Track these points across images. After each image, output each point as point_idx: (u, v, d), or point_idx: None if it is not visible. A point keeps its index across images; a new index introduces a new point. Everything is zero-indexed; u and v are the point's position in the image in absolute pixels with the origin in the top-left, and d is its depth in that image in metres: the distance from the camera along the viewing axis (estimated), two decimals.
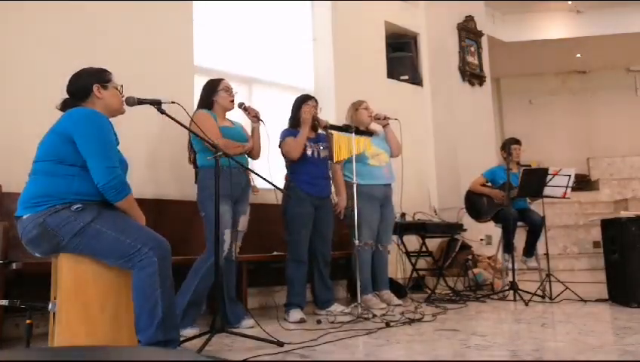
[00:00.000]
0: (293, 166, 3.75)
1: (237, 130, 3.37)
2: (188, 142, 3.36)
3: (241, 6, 4.98)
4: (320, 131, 3.91)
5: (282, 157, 3.85)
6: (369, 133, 4.05)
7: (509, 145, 4.88)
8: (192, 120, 3.03)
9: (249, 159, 3.46)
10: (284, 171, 3.85)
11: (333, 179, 4.05)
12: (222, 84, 3.37)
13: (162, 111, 2.66)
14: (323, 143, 3.85)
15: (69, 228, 2.15)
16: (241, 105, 3.41)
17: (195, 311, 3.15)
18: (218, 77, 3.51)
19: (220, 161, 2.97)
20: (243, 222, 3.36)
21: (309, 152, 3.74)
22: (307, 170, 3.73)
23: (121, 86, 2.49)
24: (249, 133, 3.45)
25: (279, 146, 3.80)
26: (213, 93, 3.34)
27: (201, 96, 3.40)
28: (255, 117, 3.40)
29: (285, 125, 3.92)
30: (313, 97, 3.91)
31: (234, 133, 3.31)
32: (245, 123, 3.56)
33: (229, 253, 3.28)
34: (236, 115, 3.54)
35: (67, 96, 2.41)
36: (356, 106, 4.24)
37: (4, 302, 2.33)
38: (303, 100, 3.84)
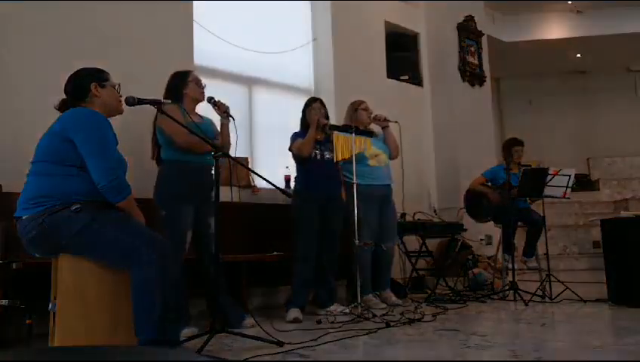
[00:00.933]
0: (298, 169, 3.80)
1: (206, 126, 3.26)
2: (152, 136, 3.24)
3: (241, 6, 4.98)
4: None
5: (294, 160, 3.88)
6: (369, 133, 4.05)
7: (510, 146, 4.87)
8: (160, 113, 2.83)
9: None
10: (281, 171, 3.86)
11: None
12: (191, 75, 3.28)
13: (162, 111, 2.66)
14: (329, 144, 3.86)
15: (69, 228, 2.15)
16: (210, 100, 3.26)
17: (183, 313, 3.09)
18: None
19: (185, 157, 2.93)
20: (212, 223, 3.13)
21: (312, 154, 3.75)
22: (310, 170, 3.76)
23: (119, 85, 2.49)
24: (218, 128, 3.33)
25: (289, 149, 3.84)
26: (182, 85, 3.23)
27: (169, 88, 3.25)
28: (225, 112, 3.26)
29: (283, 124, 3.94)
30: (318, 99, 3.93)
31: (203, 128, 3.14)
32: (213, 116, 3.45)
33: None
34: (205, 109, 3.44)
35: (65, 96, 2.41)
36: (355, 106, 4.24)
37: (4, 302, 2.33)
38: (307, 104, 3.89)
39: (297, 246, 3.69)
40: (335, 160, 3.93)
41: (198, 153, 3.11)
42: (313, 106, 3.85)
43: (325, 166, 3.81)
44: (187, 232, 3.09)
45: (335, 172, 3.90)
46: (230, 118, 3.26)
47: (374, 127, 4.27)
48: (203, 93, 3.28)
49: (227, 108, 3.27)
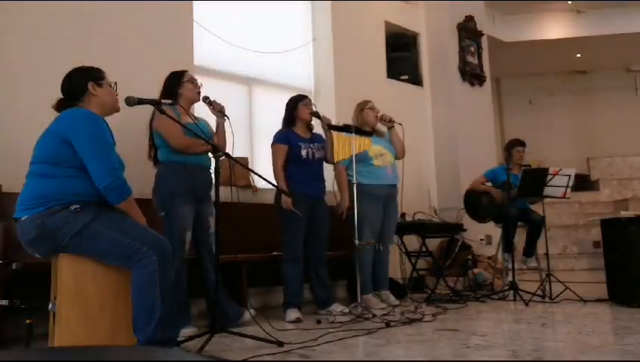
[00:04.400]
0: (290, 167, 3.74)
1: (201, 127, 3.20)
2: (149, 137, 3.24)
3: (241, 6, 4.98)
4: (314, 131, 3.91)
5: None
6: (369, 132, 4.05)
7: (512, 146, 4.86)
8: (160, 113, 2.80)
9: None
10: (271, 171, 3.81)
11: (336, 179, 4.06)
12: (186, 75, 3.27)
13: (162, 111, 2.66)
14: (318, 144, 3.85)
15: (68, 228, 2.15)
16: (205, 99, 3.28)
17: (184, 311, 3.11)
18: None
19: (182, 158, 2.94)
20: (212, 223, 3.21)
21: (303, 154, 3.73)
22: (302, 171, 3.73)
23: (115, 83, 2.48)
24: (214, 129, 3.33)
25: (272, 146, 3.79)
26: (177, 85, 3.22)
27: (164, 89, 3.24)
28: (220, 112, 3.26)
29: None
30: (307, 97, 3.91)
31: (196, 130, 3.10)
32: (208, 117, 3.46)
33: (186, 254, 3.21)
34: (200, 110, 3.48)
35: (62, 96, 2.41)
36: (361, 107, 4.24)
37: (4, 302, 2.33)
38: (298, 100, 3.84)
39: (286, 247, 3.69)
40: (335, 160, 3.93)
41: (193, 154, 3.12)
42: (305, 102, 3.81)
43: (315, 166, 3.81)
44: (187, 232, 3.11)
45: (322, 172, 3.90)
46: (225, 118, 3.25)
47: (381, 127, 4.28)
48: (199, 93, 3.28)
49: (222, 107, 3.28)
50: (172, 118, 2.80)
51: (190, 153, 3.12)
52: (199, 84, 3.32)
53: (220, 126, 3.29)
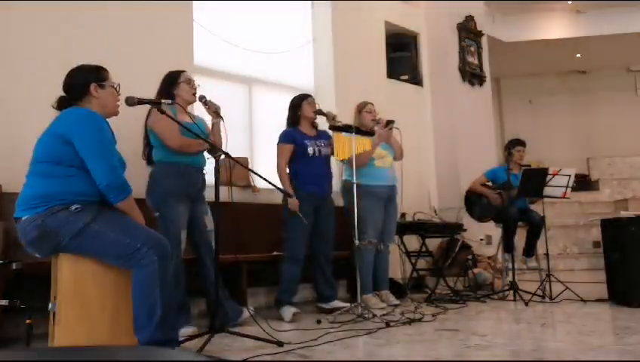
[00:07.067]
0: (296, 166, 3.75)
1: (198, 126, 3.18)
2: (144, 136, 3.22)
3: (241, 6, 4.98)
4: (320, 128, 3.92)
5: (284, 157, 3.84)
6: (370, 133, 4.05)
7: (512, 146, 4.87)
8: (160, 113, 2.85)
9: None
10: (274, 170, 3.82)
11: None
12: (182, 76, 3.24)
13: (162, 112, 2.66)
14: (324, 141, 3.85)
15: (69, 228, 2.15)
16: (201, 99, 3.25)
17: (185, 311, 3.11)
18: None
19: (176, 158, 2.92)
20: (208, 221, 3.24)
21: (310, 151, 3.73)
22: (309, 170, 3.74)
23: (118, 85, 2.46)
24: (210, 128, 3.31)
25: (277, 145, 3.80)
26: (174, 85, 3.21)
27: (161, 89, 3.23)
28: (215, 112, 3.24)
29: (283, 124, 3.92)
30: (310, 95, 3.93)
31: (194, 129, 3.09)
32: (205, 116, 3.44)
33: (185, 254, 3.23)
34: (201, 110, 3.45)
35: (62, 94, 2.39)
36: (359, 108, 4.25)
37: (4, 302, 2.33)
38: (302, 98, 3.85)
39: (287, 244, 3.70)
40: (337, 160, 3.94)
41: (188, 153, 3.12)
42: (309, 100, 3.83)
43: (322, 163, 3.81)
44: (182, 232, 3.10)
45: (329, 169, 3.90)
46: (220, 118, 3.23)
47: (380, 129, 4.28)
48: (194, 94, 3.24)
49: (218, 107, 3.25)
50: (169, 116, 2.78)
51: (186, 153, 3.11)
52: (196, 84, 3.29)
53: (216, 126, 3.26)
